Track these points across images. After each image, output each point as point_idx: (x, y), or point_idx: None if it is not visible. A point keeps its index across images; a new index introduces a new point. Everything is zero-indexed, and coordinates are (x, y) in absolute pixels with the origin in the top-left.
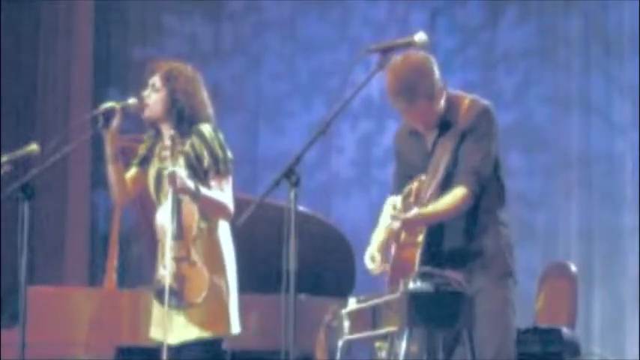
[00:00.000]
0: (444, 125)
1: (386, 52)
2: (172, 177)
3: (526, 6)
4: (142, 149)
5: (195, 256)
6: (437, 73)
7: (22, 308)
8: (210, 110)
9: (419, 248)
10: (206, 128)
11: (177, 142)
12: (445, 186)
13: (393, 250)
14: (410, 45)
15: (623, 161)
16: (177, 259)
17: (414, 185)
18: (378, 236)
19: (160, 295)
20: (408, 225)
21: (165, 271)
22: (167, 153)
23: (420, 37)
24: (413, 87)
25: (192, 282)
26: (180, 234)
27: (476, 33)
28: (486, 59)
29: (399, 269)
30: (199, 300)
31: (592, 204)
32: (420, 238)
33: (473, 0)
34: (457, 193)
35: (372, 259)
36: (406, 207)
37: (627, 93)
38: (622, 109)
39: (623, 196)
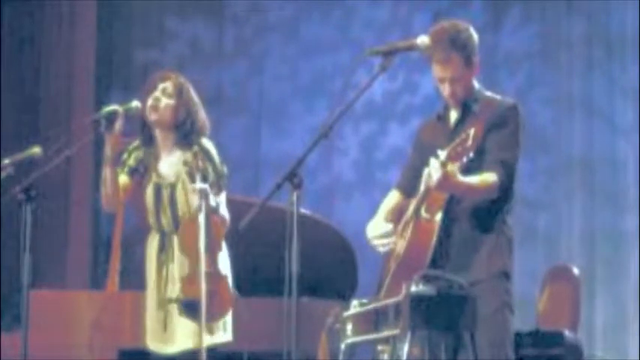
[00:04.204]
0: (467, 108)
1: (388, 54)
2: (205, 193)
3: (528, 8)
4: (130, 160)
5: (220, 269)
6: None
7: (24, 311)
8: (208, 125)
9: (435, 231)
10: (209, 144)
11: (199, 157)
12: (465, 173)
13: (409, 231)
14: (412, 48)
15: (625, 164)
16: (208, 274)
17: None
18: (381, 215)
19: (189, 308)
20: (446, 180)
21: (196, 285)
22: (187, 168)
23: (423, 40)
24: (461, 38)
25: (220, 296)
26: (210, 248)
27: (478, 35)
28: (489, 61)
29: (411, 254)
30: (225, 312)
31: (594, 206)
32: (439, 216)
33: (475, 1)
34: (489, 178)
35: (383, 231)
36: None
37: (630, 95)
38: (624, 111)
39: (625, 199)
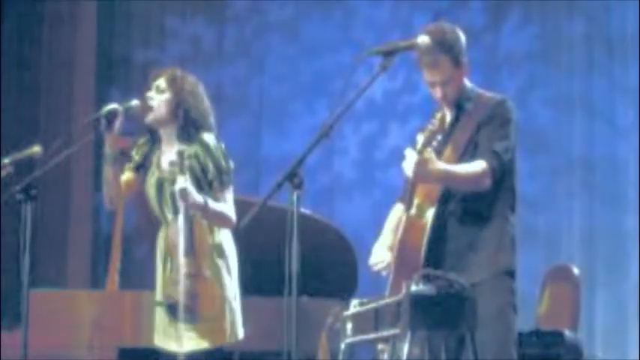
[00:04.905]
0: (461, 108)
1: (388, 54)
2: (184, 194)
3: (529, 8)
4: (137, 155)
5: (206, 271)
6: (466, 49)
7: (24, 310)
8: (212, 119)
9: (426, 230)
10: (210, 138)
11: (184, 156)
12: None
13: (399, 232)
14: (412, 47)
15: (625, 164)
16: (189, 276)
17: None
18: (385, 238)
19: (172, 310)
20: (422, 166)
21: (178, 287)
22: (175, 169)
23: (423, 40)
24: (447, 40)
25: (205, 297)
26: (192, 250)
27: (479, 35)
28: (489, 62)
29: (404, 255)
30: (212, 315)
31: (594, 206)
32: (430, 213)
33: (476, 2)
34: (477, 165)
35: (380, 259)
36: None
37: (630, 95)
38: (625, 111)
39: (625, 199)
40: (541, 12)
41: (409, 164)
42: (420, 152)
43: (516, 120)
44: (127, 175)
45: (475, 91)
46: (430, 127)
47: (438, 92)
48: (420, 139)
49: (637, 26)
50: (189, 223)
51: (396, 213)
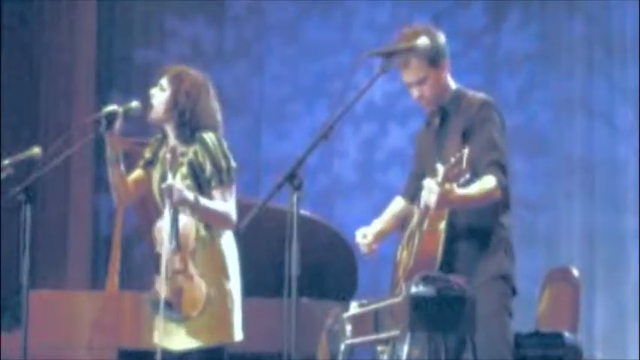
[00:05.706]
0: (444, 112)
1: (388, 55)
2: (169, 190)
3: (529, 9)
4: (147, 152)
5: (192, 269)
6: (446, 49)
7: (24, 311)
8: (216, 119)
9: (441, 239)
10: (209, 137)
11: (177, 153)
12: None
13: (415, 242)
14: (412, 49)
15: (625, 165)
16: (175, 272)
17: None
18: (377, 224)
19: (155, 306)
20: (444, 199)
21: (162, 283)
22: (166, 166)
23: (423, 41)
24: (422, 37)
25: (189, 295)
26: (178, 247)
27: (479, 36)
28: (489, 63)
29: (421, 262)
30: (195, 313)
31: (594, 208)
32: (442, 225)
33: (476, 2)
34: (487, 183)
35: (363, 236)
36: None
37: (630, 97)
38: (624, 112)
39: (625, 200)
40: (541, 12)
41: (430, 196)
42: (441, 185)
43: (502, 119)
44: (136, 173)
45: (460, 92)
46: (453, 160)
47: (414, 92)
48: (441, 170)
49: (637, 26)
50: (175, 220)
51: (398, 203)
